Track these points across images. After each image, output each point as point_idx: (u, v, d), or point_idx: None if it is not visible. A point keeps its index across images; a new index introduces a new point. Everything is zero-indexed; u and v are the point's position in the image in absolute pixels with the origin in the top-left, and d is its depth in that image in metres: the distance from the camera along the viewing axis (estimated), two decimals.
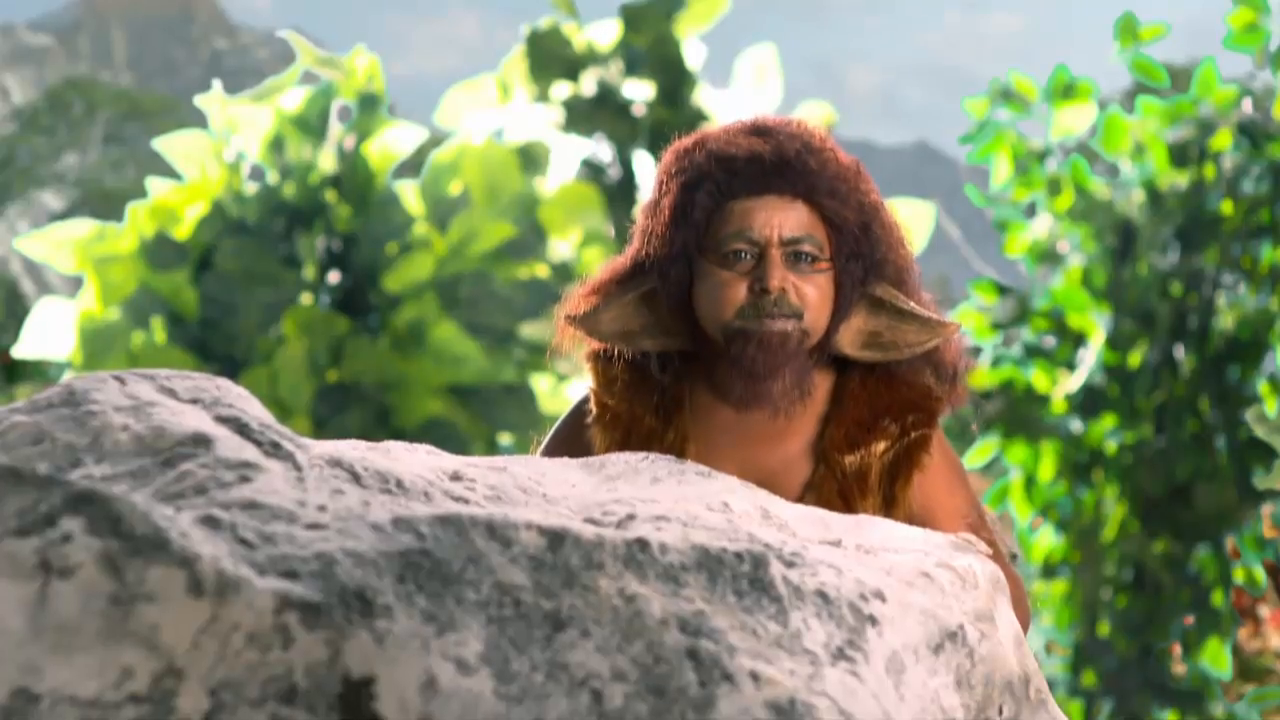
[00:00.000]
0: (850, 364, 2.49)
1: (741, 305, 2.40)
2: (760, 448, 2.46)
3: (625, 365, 2.50)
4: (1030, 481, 7.63)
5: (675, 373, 2.49)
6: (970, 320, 7.66)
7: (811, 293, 2.40)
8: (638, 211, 2.54)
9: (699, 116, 14.25)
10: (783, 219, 2.40)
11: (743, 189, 2.41)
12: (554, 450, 2.55)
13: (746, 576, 1.87)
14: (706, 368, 2.47)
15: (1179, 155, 7.53)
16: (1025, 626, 2.39)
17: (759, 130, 2.45)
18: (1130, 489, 7.52)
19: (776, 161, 2.41)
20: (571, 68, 14.75)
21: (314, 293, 13.91)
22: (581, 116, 14.68)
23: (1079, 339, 7.73)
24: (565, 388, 13.72)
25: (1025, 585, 2.51)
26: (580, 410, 2.55)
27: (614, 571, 1.82)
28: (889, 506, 2.46)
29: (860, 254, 2.43)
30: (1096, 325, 7.62)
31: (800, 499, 2.43)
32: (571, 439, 2.54)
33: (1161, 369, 7.54)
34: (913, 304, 2.46)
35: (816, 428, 2.47)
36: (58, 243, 13.49)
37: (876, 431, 2.45)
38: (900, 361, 2.47)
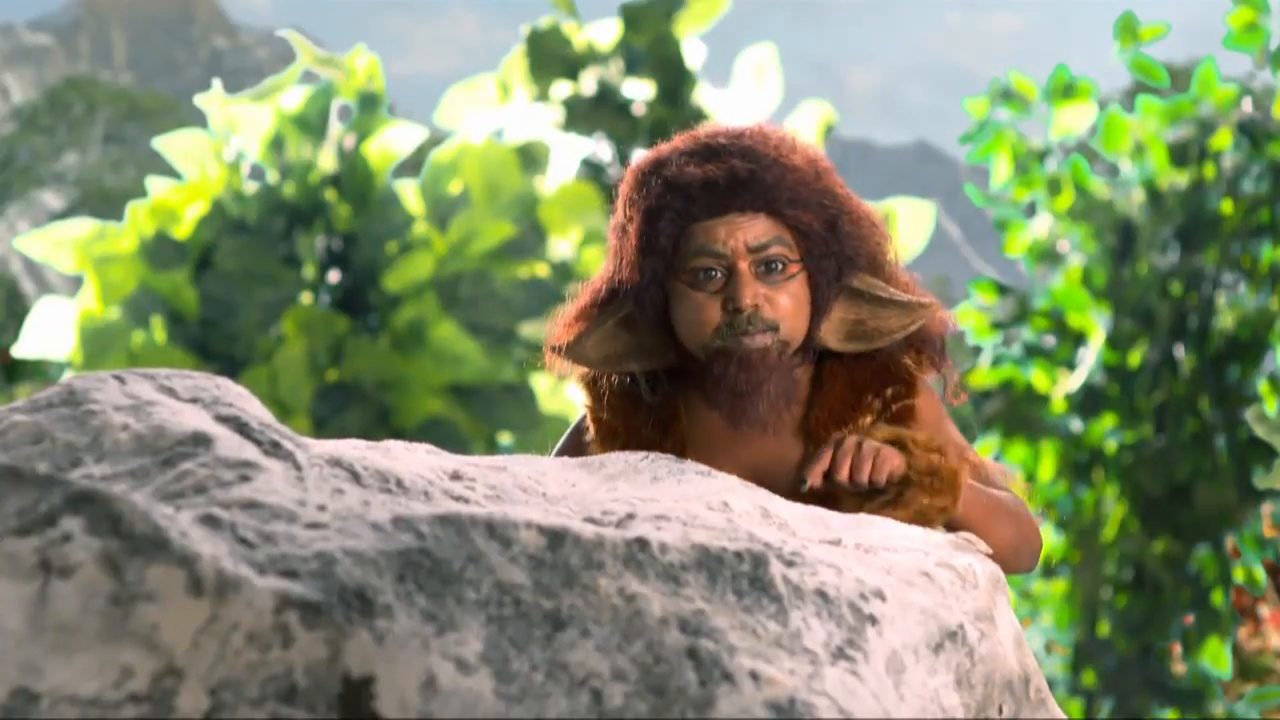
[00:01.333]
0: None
1: (718, 325, 2.41)
2: (755, 440, 2.48)
3: (615, 386, 2.53)
4: (1030, 481, 7.63)
5: (665, 394, 2.51)
6: (970, 320, 7.66)
7: (786, 302, 2.42)
8: (608, 229, 2.56)
9: (699, 116, 14.24)
10: (746, 232, 2.41)
11: (703, 213, 2.42)
12: None
13: (746, 576, 1.87)
14: (696, 378, 2.49)
15: (1179, 155, 7.53)
16: (1037, 554, 2.43)
17: (710, 152, 2.45)
18: (1130, 489, 7.52)
19: (731, 184, 2.42)
20: (571, 67, 14.74)
21: (314, 292, 13.90)
22: (581, 116, 14.68)
23: (1079, 338, 7.73)
24: (565, 387, 13.73)
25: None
26: (580, 428, 2.59)
27: (614, 571, 1.82)
28: None
29: (831, 252, 2.44)
30: (1096, 325, 7.62)
31: (793, 478, 2.45)
32: (573, 454, 2.56)
33: (1161, 369, 7.54)
34: (891, 290, 2.47)
35: (803, 409, 2.49)
36: (58, 242, 13.48)
37: (860, 408, 2.48)
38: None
